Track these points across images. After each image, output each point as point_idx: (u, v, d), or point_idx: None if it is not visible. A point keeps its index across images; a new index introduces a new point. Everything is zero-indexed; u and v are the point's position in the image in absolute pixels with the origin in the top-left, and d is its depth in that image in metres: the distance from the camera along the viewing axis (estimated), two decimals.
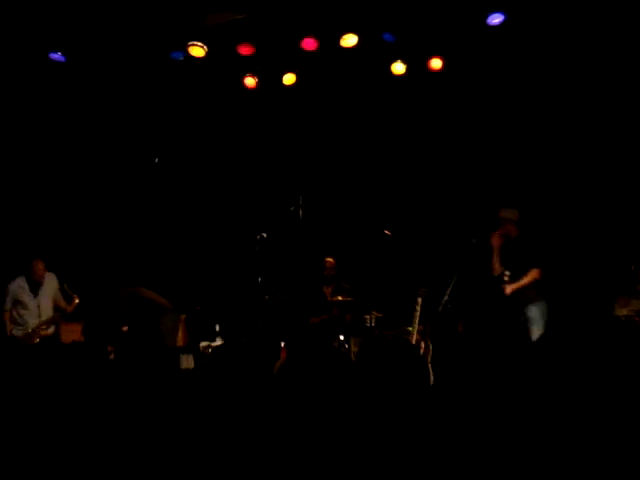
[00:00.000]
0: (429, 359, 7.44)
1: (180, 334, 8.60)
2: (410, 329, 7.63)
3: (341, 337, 8.27)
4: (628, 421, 4.69)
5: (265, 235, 8.05)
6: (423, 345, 7.48)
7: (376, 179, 9.52)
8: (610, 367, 5.90)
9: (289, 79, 8.95)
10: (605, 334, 7.50)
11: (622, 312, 7.28)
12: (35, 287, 7.93)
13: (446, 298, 7.32)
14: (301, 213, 8.69)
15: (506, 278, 7.01)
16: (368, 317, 8.24)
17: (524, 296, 7.03)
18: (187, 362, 8.20)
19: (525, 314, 7.06)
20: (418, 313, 7.60)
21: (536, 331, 6.95)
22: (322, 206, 9.32)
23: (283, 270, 9.10)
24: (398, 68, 8.61)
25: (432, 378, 7.16)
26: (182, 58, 8.40)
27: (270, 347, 8.01)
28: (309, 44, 8.34)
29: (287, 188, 9.30)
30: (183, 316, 8.74)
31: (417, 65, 8.57)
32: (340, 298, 8.51)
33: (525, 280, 7.03)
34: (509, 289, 7.06)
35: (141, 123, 9.56)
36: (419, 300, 7.62)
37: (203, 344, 8.39)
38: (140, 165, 9.63)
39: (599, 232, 8.05)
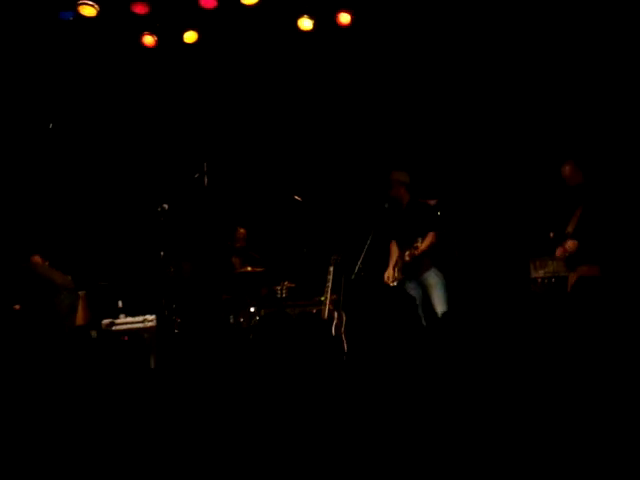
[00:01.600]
0: (342, 329, 7.30)
1: (80, 312, 8.21)
2: (323, 299, 7.47)
3: (252, 309, 8.03)
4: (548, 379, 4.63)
5: (167, 206, 7.70)
6: (336, 315, 7.33)
7: (283, 143, 9.24)
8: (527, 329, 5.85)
9: (190, 37, 8.57)
10: (521, 296, 7.51)
11: (539, 274, 7.26)
12: None
13: (359, 265, 7.19)
14: (206, 180, 8.38)
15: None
16: (279, 288, 8.01)
17: (420, 263, 6.98)
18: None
19: (423, 281, 7.01)
20: (330, 282, 7.45)
21: (436, 297, 6.91)
22: (228, 172, 9.00)
23: (189, 241, 8.79)
24: (305, 24, 8.34)
25: (346, 347, 7.06)
26: (72, 18, 8.01)
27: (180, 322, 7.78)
28: (207, 2, 8.02)
29: (190, 155, 8.94)
30: (83, 293, 8.33)
31: (325, 20, 8.29)
32: (249, 269, 8.27)
33: (423, 245, 6.95)
34: (407, 257, 6.99)
35: (32, 88, 9.04)
36: (331, 269, 7.47)
37: (106, 321, 8.06)
38: (33, 131, 9.12)
39: (509, 195, 8.00)
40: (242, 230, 8.72)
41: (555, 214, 6.86)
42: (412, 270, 7.06)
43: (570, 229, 6.60)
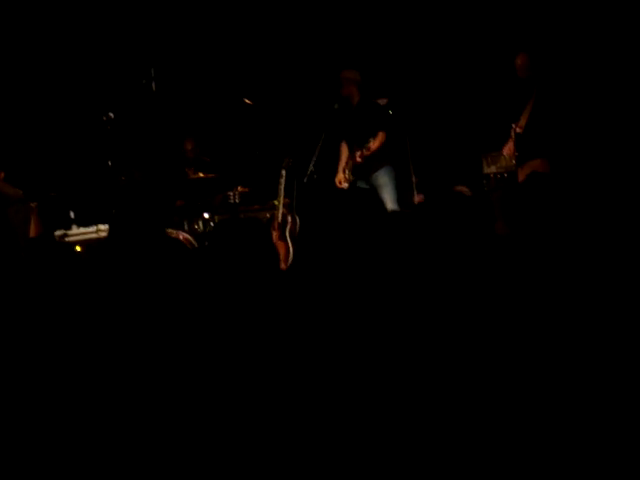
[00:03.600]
0: (296, 233, 7.37)
1: (32, 224, 8.19)
2: (276, 203, 7.51)
3: (205, 215, 8.04)
4: None
5: (112, 115, 7.60)
6: (290, 219, 7.39)
7: (232, 44, 9.09)
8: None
9: None
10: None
11: (491, 170, 7.33)
12: None
13: (311, 168, 7.22)
14: (154, 86, 8.28)
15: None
16: (232, 193, 8.01)
17: (371, 163, 7.03)
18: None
19: (374, 181, 7.08)
20: (283, 185, 7.46)
21: (387, 196, 6.99)
22: (176, 77, 8.87)
23: (138, 149, 8.72)
24: None
25: (291, 252, 7.13)
26: None
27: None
28: None
29: (136, 60, 8.77)
30: (34, 204, 8.28)
31: None
32: (201, 175, 8.24)
33: (374, 145, 6.98)
34: (359, 157, 7.03)
35: None
36: (283, 172, 7.48)
37: (58, 233, 8.06)
38: None
39: (460, 90, 8.00)
40: (190, 141, 8.62)
41: (507, 107, 6.92)
42: (363, 171, 7.11)
43: (522, 122, 6.68)
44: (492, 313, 4.11)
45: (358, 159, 7.03)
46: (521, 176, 6.73)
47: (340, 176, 7.30)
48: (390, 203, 6.98)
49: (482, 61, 7.91)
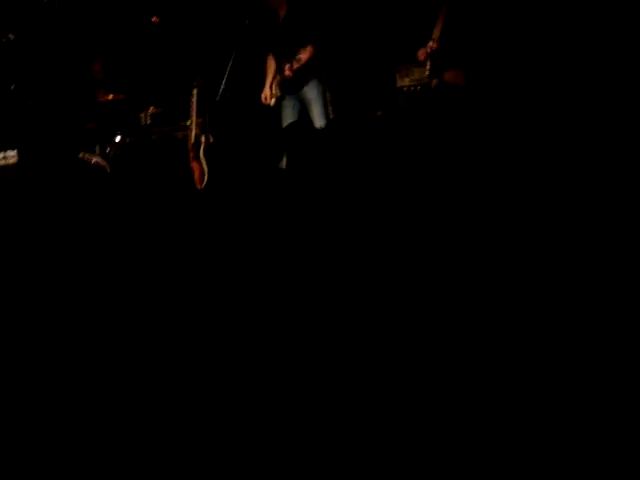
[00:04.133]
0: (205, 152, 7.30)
1: None
2: (189, 123, 7.41)
3: (117, 139, 7.92)
4: None
5: (12, 36, 7.35)
6: (204, 139, 7.30)
7: None
8: None
9: None
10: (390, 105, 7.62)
11: (404, 82, 7.34)
12: None
13: (223, 87, 7.11)
14: (56, 5, 8.02)
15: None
16: (143, 115, 7.89)
17: (300, 77, 6.91)
18: None
19: (302, 95, 6.98)
20: (195, 105, 7.35)
21: (316, 111, 6.92)
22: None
23: (43, 72, 8.46)
24: None
25: (206, 172, 7.07)
26: None
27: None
28: None
29: None
30: None
31: None
32: (111, 97, 8.07)
33: (304, 57, 6.86)
34: (288, 71, 6.90)
35: None
36: (195, 91, 7.35)
37: None
38: None
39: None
40: (98, 62, 8.41)
41: (419, 17, 6.89)
42: (292, 85, 6.97)
43: (436, 34, 6.65)
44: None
45: (287, 72, 6.84)
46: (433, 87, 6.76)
47: (267, 91, 7.13)
48: (318, 119, 6.88)
49: None
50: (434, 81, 6.70)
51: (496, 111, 6.44)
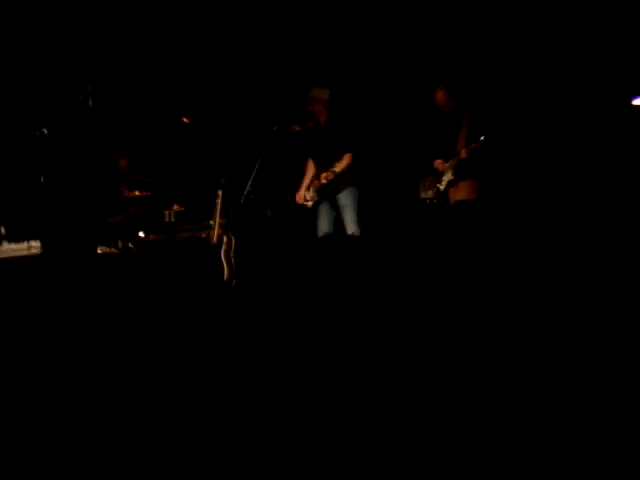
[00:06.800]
0: (232, 253, 7.47)
1: None
2: (212, 223, 7.60)
3: (141, 234, 8.12)
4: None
5: (46, 131, 7.64)
6: (226, 239, 7.48)
7: (170, 61, 9.16)
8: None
9: None
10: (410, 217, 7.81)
11: (428, 195, 7.54)
12: None
13: (248, 189, 7.32)
14: (91, 102, 8.34)
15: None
16: (167, 212, 8.10)
17: (336, 184, 7.17)
18: None
19: (337, 201, 7.22)
20: (219, 205, 7.55)
21: (348, 217, 7.13)
22: (114, 93, 8.92)
23: (73, 166, 8.74)
24: None
25: (233, 272, 7.21)
26: None
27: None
28: None
29: (73, 76, 8.80)
30: None
31: None
32: (137, 193, 8.31)
33: (341, 166, 7.14)
34: (324, 179, 7.17)
35: None
36: (219, 192, 7.57)
37: None
38: None
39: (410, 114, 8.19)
40: (124, 157, 8.68)
41: (439, 137, 7.16)
42: (328, 191, 7.24)
43: (460, 146, 6.92)
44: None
45: (324, 181, 7.16)
46: (451, 201, 7.01)
47: (302, 193, 7.41)
48: (351, 225, 7.12)
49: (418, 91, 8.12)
50: (451, 191, 6.97)
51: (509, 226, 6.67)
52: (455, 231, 6.74)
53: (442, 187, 7.07)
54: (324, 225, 7.32)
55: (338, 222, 7.26)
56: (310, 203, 7.40)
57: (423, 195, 7.59)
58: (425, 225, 7.36)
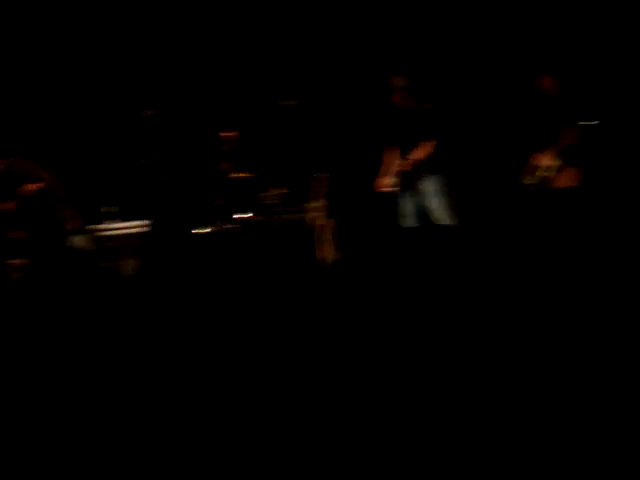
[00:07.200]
0: (332, 235, 7.56)
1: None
2: (313, 205, 7.68)
3: (242, 215, 8.26)
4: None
5: (150, 112, 7.84)
6: (327, 222, 7.57)
7: (273, 41, 9.25)
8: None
9: None
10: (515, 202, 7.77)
11: (529, 181, 7.48)
12: None
13: (350, 171, 7.36)
14: (195, 84, 8.50)
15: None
16: (270, 194, 8.22)
17: (419, 171, 7.14)
18: (80, 243, 8.15)
19: (422, 189, 7.17)
20: (321, 188, 7.63)
21: (434, 204, 7.08)
22: (217, 74, 9.06)
23: (178, 148, 8.93)
24: None
25: (335, 254, 7.29)
26: None
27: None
28: None
29: (178, 58, 8.99)
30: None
31: None
32: (241, 175, 8.44)
33: (423, 152, 7.13)
34: (407, 165, 7.14)
35: None
36: (321, 175, 7.63)
37: (94, 227, 8.31)
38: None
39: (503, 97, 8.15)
40: (228, 134, 8.79)
41: (543, 122, 7.10)
42: (410, 178, 7.25)
43: (564, 132, 6.86)
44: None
45: (406, 167, 7.14)
46: (554, 186, 6.95)
47: (385, 180, 7.37)
48: (436, 211, 7.08)
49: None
50: (555, 176, 6.90)
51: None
52: (557, 219, 6.69)
53: (544, 173, 7.01)
54: (409, 214, 7.25)
55: (423, 210, 7.22)
56: (391, 190, 7.35)
57: (525, 181, 7.54)
58: (526, 213, 7.32)
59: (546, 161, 6.94)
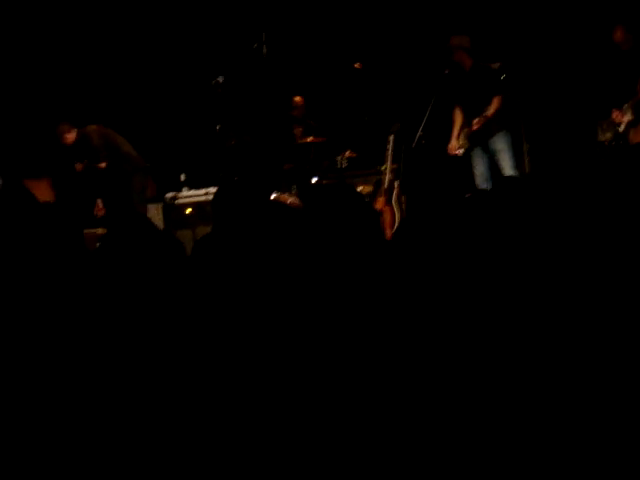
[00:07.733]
0: (403, 199, 7.52)
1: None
2: (383, 168, 7.65)
3: (313, 180, 8.29)
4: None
5: (221, 79, 7.90)
6: (397, 185, 7.53)
7: (343, 8, 9.21)
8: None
9: None
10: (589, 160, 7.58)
11: (606, 137, 7.28)
12: None
13: (420, 133, 7.30)
14: (265, 50, 8.52)
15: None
16: (339, 158, 8.21)
17: (487, 129, 7.06)
18: (155, 213, 8.32)
19: (490, 147, 7.09)
20: (391, 151, 7.60)
21: (505, 162, 6.99)
22: (287, 40, 9.07)
23: (248, 113, 8.99)
24: None
25: (397, 218, 7.25)
26: None
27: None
28: None
29: (248, 24, 9.02)
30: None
31: None
32: (311, 139, 8.46)
33: (491, 110, 7.03)
34: (476, 124, 7.07)
35: None
36: (391, 137, 7.60)
37: (169, 195, 8.44)
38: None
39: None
40: (298, 98, 8.80)
41: (618, 76, 6.88)
42: (479, 136, 7.14)
43: None
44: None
45: (475, 126, 7.07)
46: (632, 141, 6.73)
47: (454, 143, 7.31)
48: (508, 169, 6.97)
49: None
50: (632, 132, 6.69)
51: None
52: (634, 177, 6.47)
53: (621, 129, 6.79)
54: (480, 172, 7.16)
55: (494, 167, 7.13)
56: (461, 151, 7.27)
57: (601, 137, 7.33)
58: (603, 170, 7.12)
59: (622, 117, 6.74)
